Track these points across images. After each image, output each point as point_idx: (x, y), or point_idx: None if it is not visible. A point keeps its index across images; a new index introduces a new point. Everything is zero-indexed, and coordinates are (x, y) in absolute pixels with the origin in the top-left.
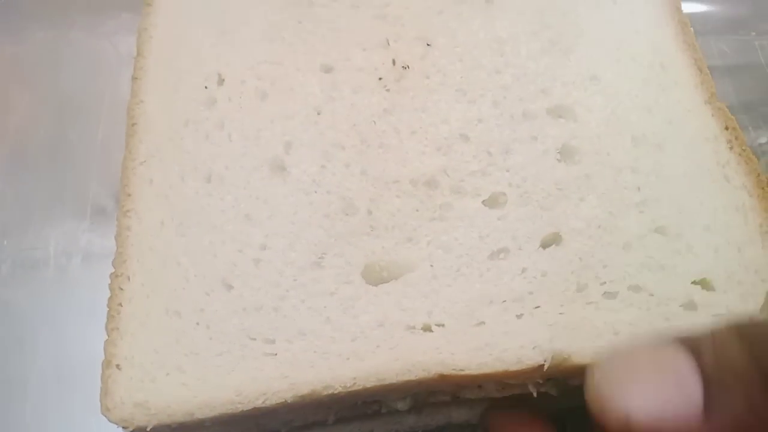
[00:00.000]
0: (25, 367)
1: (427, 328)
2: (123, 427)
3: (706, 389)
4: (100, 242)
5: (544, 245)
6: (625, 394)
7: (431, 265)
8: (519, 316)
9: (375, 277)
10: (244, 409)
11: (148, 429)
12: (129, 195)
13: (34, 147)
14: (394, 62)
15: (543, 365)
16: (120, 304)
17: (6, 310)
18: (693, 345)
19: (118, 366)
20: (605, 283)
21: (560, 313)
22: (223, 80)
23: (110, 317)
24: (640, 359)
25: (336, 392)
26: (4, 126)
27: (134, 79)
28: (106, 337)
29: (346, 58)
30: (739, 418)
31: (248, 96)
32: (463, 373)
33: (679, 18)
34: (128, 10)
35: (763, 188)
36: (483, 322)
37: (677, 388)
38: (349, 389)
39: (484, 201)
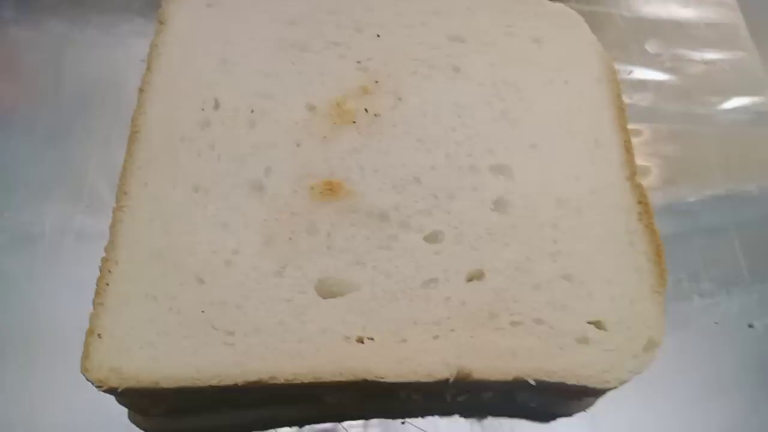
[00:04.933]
0: (12, 329)
1: (360, 340)
2: (97, 386)
3: None
4: (93, 224)
5: (468, 279)
6: None
7: (372, 287)
8: (435, 337)
9: (326, 291)
10: (201, 385)
11: (118, 390)
12: (125, 193)
13: (40, 131)
14: (366, 110)
15: (448, 378)
16: (107, 284)
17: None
18: None
19: (99, 335)
20: (514, 314)
21: (471, 336)
22: (219, 105)
23: (97, 293)
24: None
25: (278, 383)
26: (13, 107)
27: (140, 90)
28: (92, 310)
29: (327, 101)
30: None
31: (239, 122)
32: (382, 380)
33: (618, 103)
34: (141, 15)
35: (659, 257)
36: (405, 340)
37: None
38: (290, 381)
39: (425, 237)
